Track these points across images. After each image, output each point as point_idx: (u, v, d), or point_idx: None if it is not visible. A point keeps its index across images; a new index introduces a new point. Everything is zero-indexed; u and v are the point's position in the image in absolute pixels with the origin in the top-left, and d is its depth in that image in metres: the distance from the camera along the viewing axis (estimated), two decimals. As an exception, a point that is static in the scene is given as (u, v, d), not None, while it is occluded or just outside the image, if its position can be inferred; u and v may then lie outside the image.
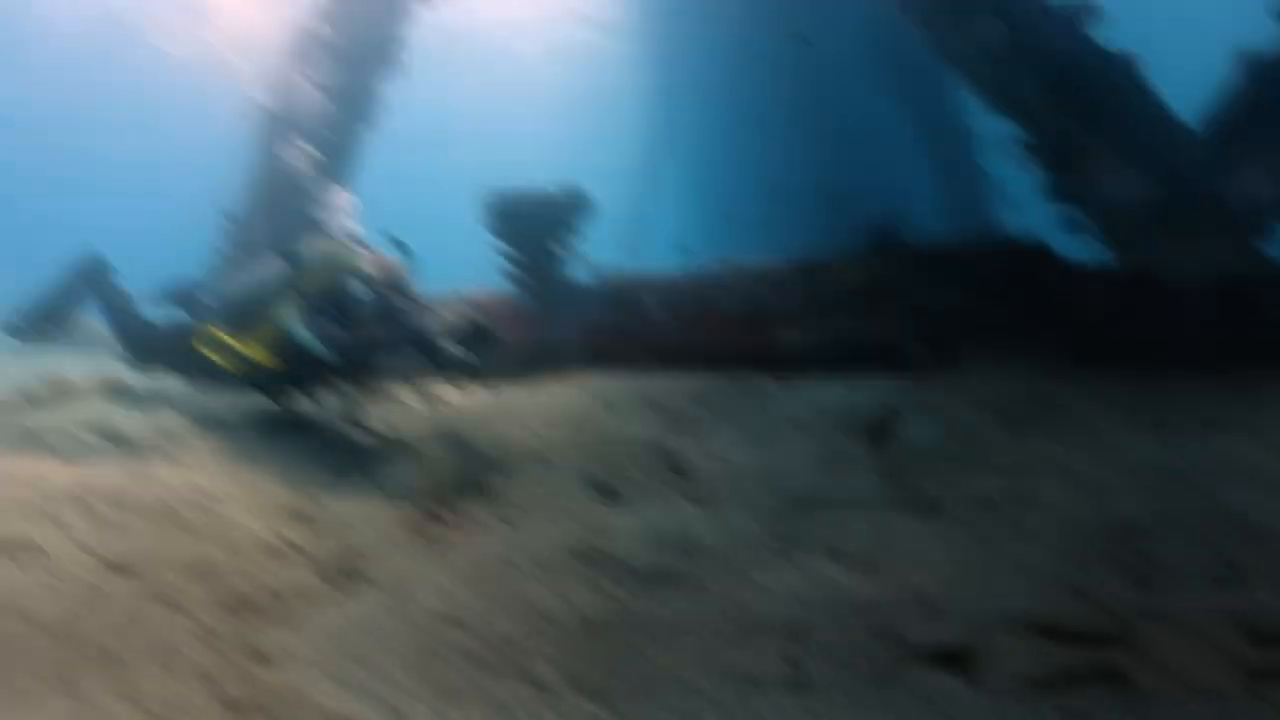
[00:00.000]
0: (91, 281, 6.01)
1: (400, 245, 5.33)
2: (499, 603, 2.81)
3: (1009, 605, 2.58)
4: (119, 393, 6.28)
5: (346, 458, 4.84)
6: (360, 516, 3.90)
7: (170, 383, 6.31)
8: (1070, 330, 5.90)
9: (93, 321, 6.33)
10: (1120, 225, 6.05)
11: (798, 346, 6.53)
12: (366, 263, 5.18)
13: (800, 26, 18.57)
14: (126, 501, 3.33)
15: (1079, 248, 6.44)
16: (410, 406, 6.34)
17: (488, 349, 5.20)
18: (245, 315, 5.22)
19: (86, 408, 6.05)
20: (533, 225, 7.38)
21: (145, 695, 2.33)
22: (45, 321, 5.95)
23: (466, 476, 4.52)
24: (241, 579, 3.06)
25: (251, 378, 5.28)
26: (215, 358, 5.05)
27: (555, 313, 7.49)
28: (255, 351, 4.98)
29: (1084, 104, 6.15)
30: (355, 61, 8.88)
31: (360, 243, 5.37)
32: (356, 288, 5.12)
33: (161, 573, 2.93)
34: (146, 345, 5.70)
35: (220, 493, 3.84)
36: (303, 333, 4.91)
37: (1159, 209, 5.79)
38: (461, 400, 6.45)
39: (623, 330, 7.34)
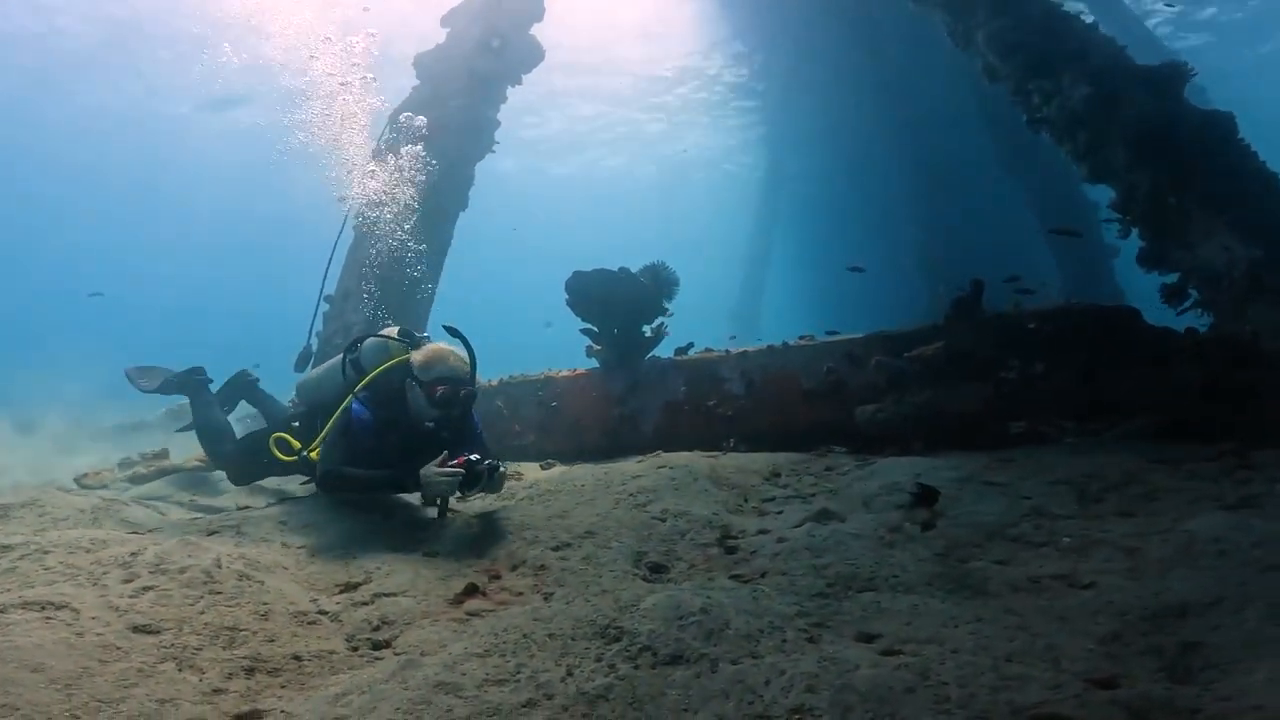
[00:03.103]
0: (194, 390, 6.62)
1: (456, 335, 5.42)
2: (502, 674, 2.81)
3: (1021, 697, 2.40)
4: (207, 472, 6.69)
5: (408, 533, 4.96)
6: (406, 588, 3.97)
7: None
8: (1163, 401, 5.55)
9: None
10: (1218, 290, 5.68)
11: (877, 421, 6.37)
12: (420, 358, 5.33)
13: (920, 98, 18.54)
14: (169, 568, 3.51)
15: (1178, 314, 6.10)
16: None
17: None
18: (312, 410, 5.55)
19: (173, 484, 6.48)
20: (614, 304, 7.50)
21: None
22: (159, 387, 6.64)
23: (519, 552, 4.58)
24: (265, 644, 3.16)
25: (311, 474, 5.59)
26: (281, 456, 5.40)
27: (636, 390, 7.55)
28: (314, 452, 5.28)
29: (1177, 166, 5.87)
30: (447, 144, 9.35)
31: (414, 337, 5.56)
32: (410, 385, 5.29)
33: (183, 635, 3.07)
34: (237, 461, 6.04)
35: (270, 563, 4.00)
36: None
37: (1258, 273, 5.42)
38: (533, 476, 6.55)
39: (702, 406, 7.33)
